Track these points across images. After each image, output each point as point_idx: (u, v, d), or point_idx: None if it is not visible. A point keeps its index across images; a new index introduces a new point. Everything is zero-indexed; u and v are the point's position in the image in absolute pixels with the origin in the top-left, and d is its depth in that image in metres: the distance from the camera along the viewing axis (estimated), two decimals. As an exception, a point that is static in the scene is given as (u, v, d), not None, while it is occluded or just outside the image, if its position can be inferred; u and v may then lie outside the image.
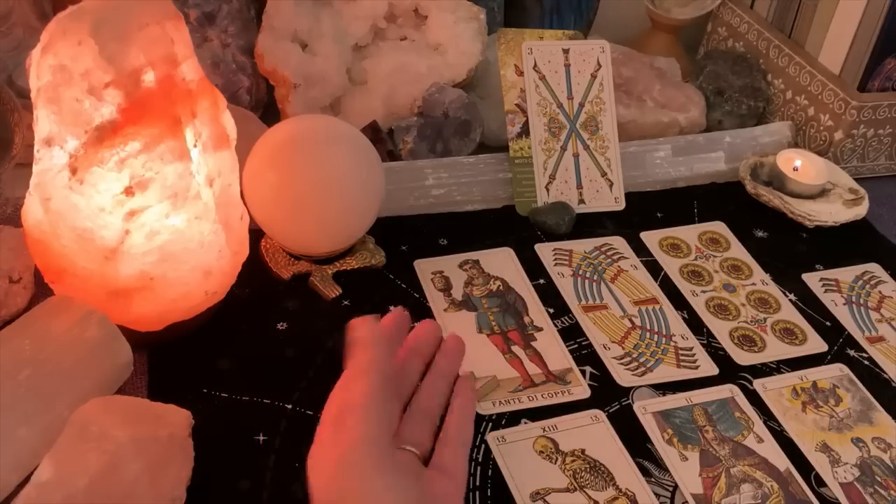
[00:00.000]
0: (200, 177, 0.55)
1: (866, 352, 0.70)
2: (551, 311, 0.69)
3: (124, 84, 0.50)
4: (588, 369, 0.64)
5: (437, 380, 0.58)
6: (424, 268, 0.72)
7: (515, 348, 0.65)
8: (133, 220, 0.54)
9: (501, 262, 0.73)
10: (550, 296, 0.71)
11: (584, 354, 0.66)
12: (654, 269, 0.75)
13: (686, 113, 0.89)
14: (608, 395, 0.63)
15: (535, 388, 0.62)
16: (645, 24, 1.03)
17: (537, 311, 0.69)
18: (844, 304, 0.74)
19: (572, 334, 0.67)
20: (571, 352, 0.66)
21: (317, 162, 0.65)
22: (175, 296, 0.58)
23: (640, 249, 0.77)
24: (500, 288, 0.70)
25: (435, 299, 0.69)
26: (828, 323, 0.72)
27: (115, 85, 0.50)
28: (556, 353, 0.65)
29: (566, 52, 0.81)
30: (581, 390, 0.62)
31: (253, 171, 0.65)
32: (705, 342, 0.68)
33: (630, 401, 0.62)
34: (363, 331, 0.56)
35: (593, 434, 0.60)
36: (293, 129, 0.66)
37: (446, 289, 0.70)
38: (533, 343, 0.66)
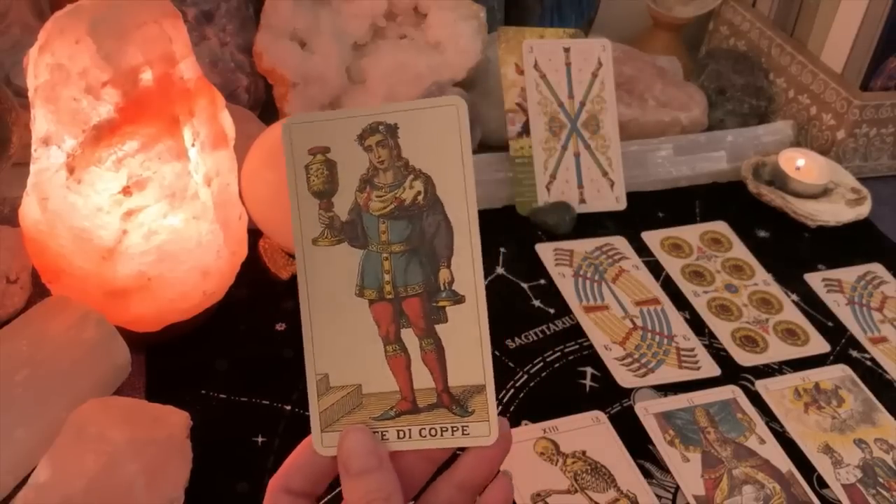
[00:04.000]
0: (198, 176, 0.55)
1: (869, 352, 0.69)
2: (543, 306, 0.66)
3: (122, 83, 0.50)
4: (589, 370, 0.64)
5: None
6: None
7: (407, 334, 0.38)
8: (131, 219, 0.53)
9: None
10: (551, 296, 0.70)
11: (585, 355, 0.66)
12: (655, 269, 0.75)
13: (688, 112, 0.89)
14: (609, 397, 0.62)
15: (414, 415, 0.38)
16: (646, 23, 1.02)
17: (465, 261, 0.38)
18: (847, 305, 0.74)
19: (573, 335, 0.67)
20: (570, 353, 0.64)
21: (316, 161, 0.64)
22: (173, 296, 0.57)
23: (642, 249, 0.76)
24: (420, 199, 0.38)
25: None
26: (830, 323, 0.72)
27: (112, 84, 0.50)
28: (468, 350, 0.38)
29: (567, 50, 0.81)
30: (483, 429, 0.38)
31: (251, 170, 0.65)
32: (707, 343, 0.68)
33: (631, 402, 0.62)
34: (361, 447, 0.37)
35: (594, 435, 0.59)
36: (292, 129, 0.66)
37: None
38: (438, 328, 0.38)
